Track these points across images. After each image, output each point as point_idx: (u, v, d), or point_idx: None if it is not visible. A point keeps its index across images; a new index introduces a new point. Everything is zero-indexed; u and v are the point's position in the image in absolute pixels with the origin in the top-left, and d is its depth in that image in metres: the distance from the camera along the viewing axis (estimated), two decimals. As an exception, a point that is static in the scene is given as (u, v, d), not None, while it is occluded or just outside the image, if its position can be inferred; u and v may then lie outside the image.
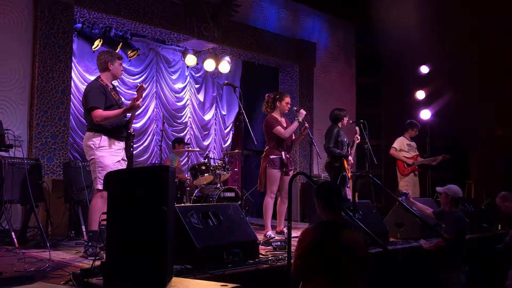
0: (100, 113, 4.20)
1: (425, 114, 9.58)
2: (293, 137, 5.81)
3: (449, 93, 9.22)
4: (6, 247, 4.63)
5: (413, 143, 7.74)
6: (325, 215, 3.22)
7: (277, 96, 5.76)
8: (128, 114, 4.44)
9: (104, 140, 4.25)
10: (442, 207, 5.05)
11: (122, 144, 4.41)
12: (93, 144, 4.24)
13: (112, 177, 3.13)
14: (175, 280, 2.92)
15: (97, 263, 3.15)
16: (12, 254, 4.27)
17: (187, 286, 2.80)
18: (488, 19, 8.30)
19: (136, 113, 8.15)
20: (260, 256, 4.17)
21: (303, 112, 5.71)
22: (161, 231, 2.79)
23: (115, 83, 5.04)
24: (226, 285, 2.82)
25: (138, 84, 4.31)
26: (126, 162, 4.48)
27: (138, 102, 4.22)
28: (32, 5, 6.09)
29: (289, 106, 5.77)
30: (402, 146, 7.62)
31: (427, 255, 4.92)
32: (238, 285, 2.90)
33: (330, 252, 2.95)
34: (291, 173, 5.58)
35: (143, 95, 8.40)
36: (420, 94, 9.71)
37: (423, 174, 8.77)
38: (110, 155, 4.25)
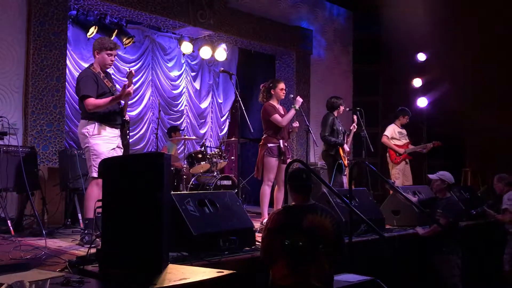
0: (91, 101, 4.17)
1: (423, 102, 9.57)
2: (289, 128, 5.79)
3: (446, 81, 9.19)
4: (2, 235, 4.61)
5: (404, 131, 7.67)
6: (293, 199, 3.28)
7: (271, 84, 5.72)
8: (121, 102, 4.41)
9: (98, 127, 4.22)
10: (437, 194, 5.08)
11: (116, 132, 4.38)
12: (87, 132, 4.21)
13: (107, 165, 3.11)
14: (171, 267, 2.92)
15: (93, 250, 3.14)
16: (8, 242, 4.26)
17: (183, 273, 2.80)
18: (487, 6, 8.25)
19: (132, 101, 8.18)
20: (257, 243, 4.16)
21: (299, 99, 5.68)
22: (156, 218, 2.78)
23: (111, 70, 5.00)
24: (222, 272, 2.82)
25: (128, 70, 4.27)
26: (122, 150, 4.46)
27: (129, 90, 4.19)
28: (26, -9, 6.02)
29: (284, 91, 5.72)
30: (394, 134, 7.57)
31: (423, 242, 4.95)
32: (234, 271, 2.90)
33: (292, 235, 3.02)
34: (288, 161, 5.56)
35: (140, 82, 8.46)
36: (417, 82, 9.68)
37: (420, 162, 8.77)
38: (104, 142, 4.22)
